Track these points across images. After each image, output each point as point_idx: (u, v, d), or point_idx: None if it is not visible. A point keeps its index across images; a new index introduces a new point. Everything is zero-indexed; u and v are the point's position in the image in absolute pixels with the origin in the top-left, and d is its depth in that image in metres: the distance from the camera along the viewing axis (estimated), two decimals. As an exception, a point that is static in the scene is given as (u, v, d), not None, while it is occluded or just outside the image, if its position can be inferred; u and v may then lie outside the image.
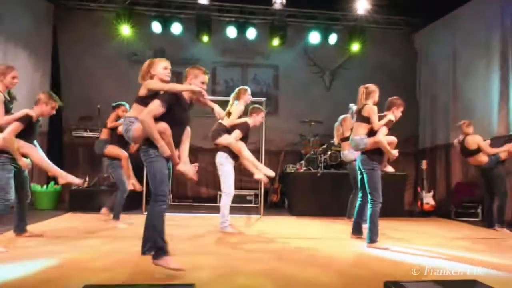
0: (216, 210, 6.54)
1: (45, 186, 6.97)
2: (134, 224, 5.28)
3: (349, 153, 4.20)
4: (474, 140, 5.58)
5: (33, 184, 6.98)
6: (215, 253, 3.74)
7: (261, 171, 4.85)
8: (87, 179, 7.33)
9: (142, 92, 3.24)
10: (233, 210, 6.75)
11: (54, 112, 4.18)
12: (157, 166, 3.01)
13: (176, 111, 3.08)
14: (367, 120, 4.29)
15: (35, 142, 4.13)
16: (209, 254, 3.67)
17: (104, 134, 5.45)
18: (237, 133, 4.90)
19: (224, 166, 4.89)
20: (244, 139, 4.95)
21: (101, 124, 7.32)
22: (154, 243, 2.93)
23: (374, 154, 4.17)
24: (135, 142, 3.31)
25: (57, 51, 8.50)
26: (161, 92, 3.09)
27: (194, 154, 7.82)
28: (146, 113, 2.96)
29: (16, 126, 3.81)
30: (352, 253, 3.88)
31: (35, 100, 4.11)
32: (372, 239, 4.06)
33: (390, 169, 4.82)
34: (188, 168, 3.29)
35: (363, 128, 4.29)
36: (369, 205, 4.12)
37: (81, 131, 7.56)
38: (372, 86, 4.44)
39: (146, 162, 3.07)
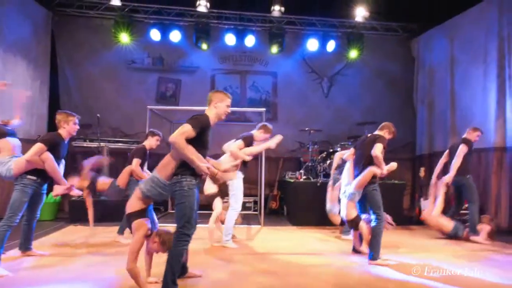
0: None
1: (45, 197, 6.95)
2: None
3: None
4: None
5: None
6: (219, 276, 3.76)
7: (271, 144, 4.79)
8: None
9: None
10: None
11: (77, 126, 4.21)
12: (189, 202, 2.96)
13: (205, 135, 3.07)
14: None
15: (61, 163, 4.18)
16: (214, 276, 3.70)
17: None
18: (239, 143, 4.93)
19: (235, 182, 4.94)
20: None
21: (101, 134, 7.37)
22: (165, 285, 2.92)
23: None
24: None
25: (56, 58, 8.49)
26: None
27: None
28: (178, 135, 2.89)
29: (39, 148, 3.83)
30: (357, 273, 3.92)
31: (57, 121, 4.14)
32: (374, 256, 4.10)
33: (392, 165, 4.37)
34: (227, 165, 3.35)
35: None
36: (373, 223, 4.16)
37: (81, 141, 7.53)
38: None
39: (177, 194, 2.98)
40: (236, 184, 4.93)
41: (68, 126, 4.09)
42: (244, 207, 8.38)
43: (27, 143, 7.36)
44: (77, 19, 8.64)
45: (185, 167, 2.97)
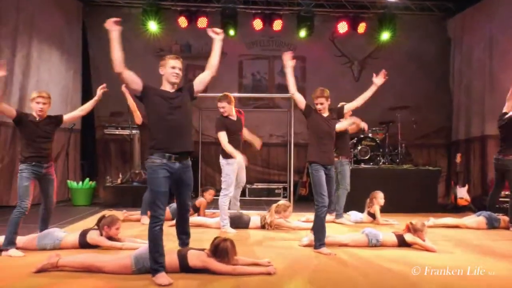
0: (246, 204, 6.62)
1: (80, 183, 7.21)
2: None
3: None
4: None
5: (69, 181, 7.25)
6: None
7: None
8: (120, 175, 7.54)
9: None
10: (262, 205, 6.84)
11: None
12: (151, 184, 2.98)
13: (155, 98, 3.18)
14: None
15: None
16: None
17: None
18: (219, 135, 4.90)
19: (226, 168, 4.95)
20: (230, 132, 4.96)
21: (132, 121, 7.50)
22: (150, 263, 2.96)
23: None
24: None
25: (87, 48, 8.67)
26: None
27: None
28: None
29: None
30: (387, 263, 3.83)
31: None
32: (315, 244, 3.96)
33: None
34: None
35: None
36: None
37: (113, 129, 7.73)
38: None
39: (147, 174, 3.10)
40: (227, 170, 4.94)
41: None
42: (274, 193, 8.44)
43: (63, 132, 7.69)
44: (106, 8, 8.74)
45: (150, 148, 3.03)
